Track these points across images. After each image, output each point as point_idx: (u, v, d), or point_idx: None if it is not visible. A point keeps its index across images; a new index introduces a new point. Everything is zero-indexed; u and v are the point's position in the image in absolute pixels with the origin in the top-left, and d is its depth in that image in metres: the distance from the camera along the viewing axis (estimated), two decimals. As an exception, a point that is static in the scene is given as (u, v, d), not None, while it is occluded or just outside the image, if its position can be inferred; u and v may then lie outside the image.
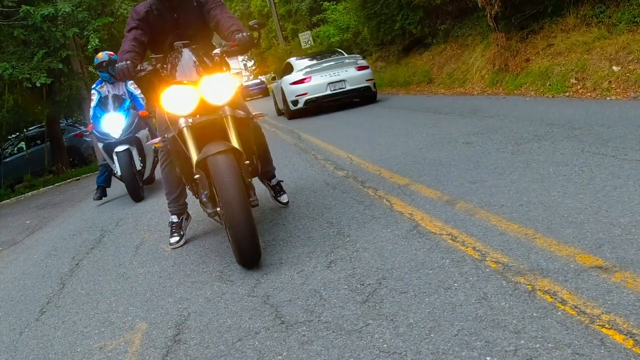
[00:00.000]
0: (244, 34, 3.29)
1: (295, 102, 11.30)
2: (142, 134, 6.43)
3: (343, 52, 12.90)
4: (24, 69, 10.23)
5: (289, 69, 12.20)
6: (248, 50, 3.50)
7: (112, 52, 6.48)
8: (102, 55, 6.39)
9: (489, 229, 2.77)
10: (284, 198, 4.11)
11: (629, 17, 6.80)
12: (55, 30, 10.61)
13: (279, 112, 13.45)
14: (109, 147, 6.11)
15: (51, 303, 3.35)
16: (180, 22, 3.58)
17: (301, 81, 11.14)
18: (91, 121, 6.35)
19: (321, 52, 13.72)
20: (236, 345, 2.19)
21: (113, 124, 6.08)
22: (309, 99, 11.05)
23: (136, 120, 6.24)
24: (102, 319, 2.85)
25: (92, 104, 6.35)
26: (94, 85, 6.51)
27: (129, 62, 3.25)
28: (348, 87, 10.92)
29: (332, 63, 11.30)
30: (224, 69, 3.29)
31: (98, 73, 6.57)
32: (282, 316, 2.34)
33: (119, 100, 6.25)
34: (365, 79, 11.10)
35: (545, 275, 2.16)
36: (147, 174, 6.63)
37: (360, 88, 11.02)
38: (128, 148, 6.06)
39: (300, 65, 11.77)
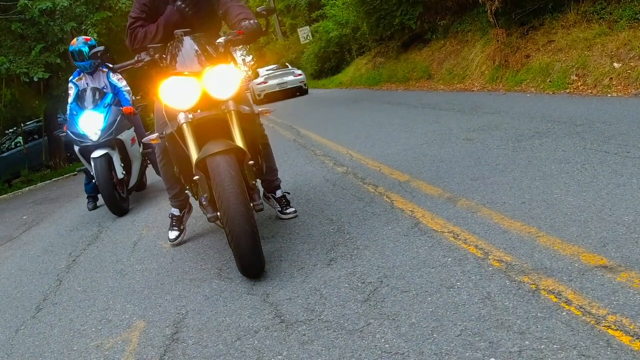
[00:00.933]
0: (251, 21, 3.05)
1: (259, 95, 19.33)
2: (126, 135, 5.43)
3: (289, 65, 21.92)
4: (21, 63, 10.17)
5: (256, 75, 20.96)
6: (255, 39, 3.22)
7: (88, 37, 5.71)
8: (77, 42, 5.50)
9: (491, 227, 2.74)
10: (290, 210, 3.72)
11: (630, 14, 6.75)
12: (53, 24, 10.55)
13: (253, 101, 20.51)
14: (86, 151, 5.21)
15: (47, 300, 3.31)
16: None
17: (262, 82, 19.48)
18: (67, 119, 5.48)
19: (275, 66, 22.19)
20: (235, 345, 2.15)
21: (90, 123, 5.15)
22: (266, 92, 19.24)
23: (118, 118, 5.28)
24: (99, 317, 2.81)
25: (69, 99, 5.45)
26: (71, 77, 5.63)
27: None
28: (289, 86, 19.33)
29: (280, 72, 20.10)
30: (229, 60, 3.03)
31: (75, 64, 5.59)
32: (282, 315, 2.31)
33: (99, 94, 5.33)
34: (299, 81, 19.53)
35: (550, 274, 2.13)
36: (133, 181, 5.67)
37: (295, 86, 19.42)
38: (107, 153, 5.11)
39: (262, 73, 20.59)
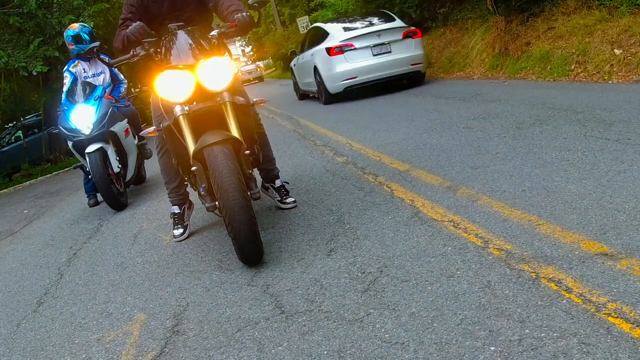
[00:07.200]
0: (244, 14, 3.07)
1: None
2: (119, 127, 5.30)
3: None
4: (19, 57, 10.12)
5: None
6: (248, 32, 3.25)
7: (75, 25, 5.58)
8: (78, 27, 5.45)
9: (491, 216, 2.73)
10: (290, 200, 3.74)
11: (630, 0, 6.71)
12: (51, 17, 10.49)
13: None
14: (80, 146, 5.10)
15: (49, 294, 3.32)
16: (177, 4, 3.38)
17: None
18: (60, 113, 5.29)
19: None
20: (236, 336, 2.16)
21: (82, 117, 5.03)
22: None
23: (110, 110, 5.14)
24: (100, 310, 2.82)
25: (64, 88, 5.30)
26: (67, 66, 5.45)
27: (137, 22, 3.03)
28: None
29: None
30: (223, 52, 3.07)
31: (70, 49, 5.48)
32: (282, 306, 2.31)
33: (89, 88, 5.21)
34: None
35: (550, 262, 2.12)
36: (130, 174, 5.54)
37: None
38: (101, 147, 4.98)
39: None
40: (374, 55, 9.09)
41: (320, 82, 9.85)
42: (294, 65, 12.38)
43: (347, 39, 9.26)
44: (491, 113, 5.40)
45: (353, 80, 9.22)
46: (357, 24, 9.90)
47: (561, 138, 3.86)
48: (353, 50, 9.12)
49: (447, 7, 12.42)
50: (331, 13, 21.01)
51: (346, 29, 9.70)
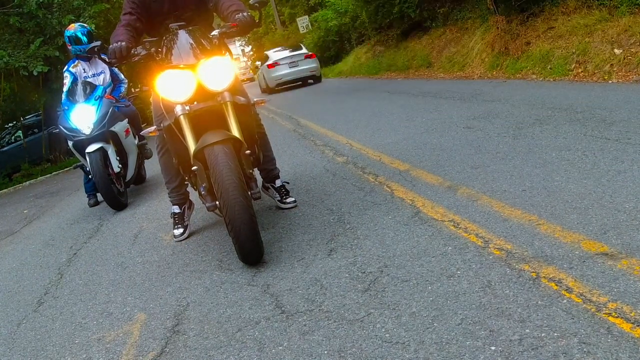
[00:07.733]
0: (245, 14, 3.08)
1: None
2: (120, 127, 5.29)
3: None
4: (20, 57, 10.13)
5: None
6: (249, 32, 3.27)
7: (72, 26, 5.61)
8: (75, 27, 5.48)
9: (491, 215, 2.73)
10: (290, 200, 3.73)
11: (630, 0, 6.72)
12: (51, 17, 10.50)
13: None
14: (80, 146, 5.10)
15: (49, 294, 3.32)
16: (178, 4, 3.38)
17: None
18: (60, 113, 5.30)
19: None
20: (236, 336, 2.16)
21: (82, 117, 5.02)
22: None
23: (110, 110, 5.12)
24: (100, 310, 2.82)
25: (64, 88, 5.30)
26: (67, 66, 5.47)
27: (123, 42, 3.04)
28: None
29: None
30: (224, 52, 3.08)
31: (70, 49, 5.52)
32: (283, 305, 2.31)
33: (90, 87, 5.20)
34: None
35: (550, 262, 2.12)
36: (130, 174, 5.54)
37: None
38: (101, 147, 4.98)
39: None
40: (290, 67, 17.38)
41: (265, 82, 18.45)
42: (259, 72, 20.30)
43: (277, 59, 17.60)
44: (491, 113, 5.40)
45: (280, 80, 17.55)
46: (284, 52, 18.42)
47: (561, 138, 3.86)
48: (279, 65, 17.42)
49: (447, 6, 12.42)
50: (331, 13, 21.02)
51: (277, 55, 18.09)
